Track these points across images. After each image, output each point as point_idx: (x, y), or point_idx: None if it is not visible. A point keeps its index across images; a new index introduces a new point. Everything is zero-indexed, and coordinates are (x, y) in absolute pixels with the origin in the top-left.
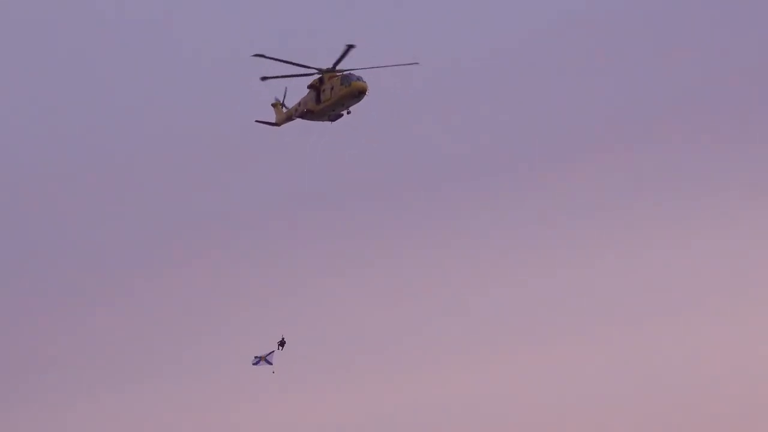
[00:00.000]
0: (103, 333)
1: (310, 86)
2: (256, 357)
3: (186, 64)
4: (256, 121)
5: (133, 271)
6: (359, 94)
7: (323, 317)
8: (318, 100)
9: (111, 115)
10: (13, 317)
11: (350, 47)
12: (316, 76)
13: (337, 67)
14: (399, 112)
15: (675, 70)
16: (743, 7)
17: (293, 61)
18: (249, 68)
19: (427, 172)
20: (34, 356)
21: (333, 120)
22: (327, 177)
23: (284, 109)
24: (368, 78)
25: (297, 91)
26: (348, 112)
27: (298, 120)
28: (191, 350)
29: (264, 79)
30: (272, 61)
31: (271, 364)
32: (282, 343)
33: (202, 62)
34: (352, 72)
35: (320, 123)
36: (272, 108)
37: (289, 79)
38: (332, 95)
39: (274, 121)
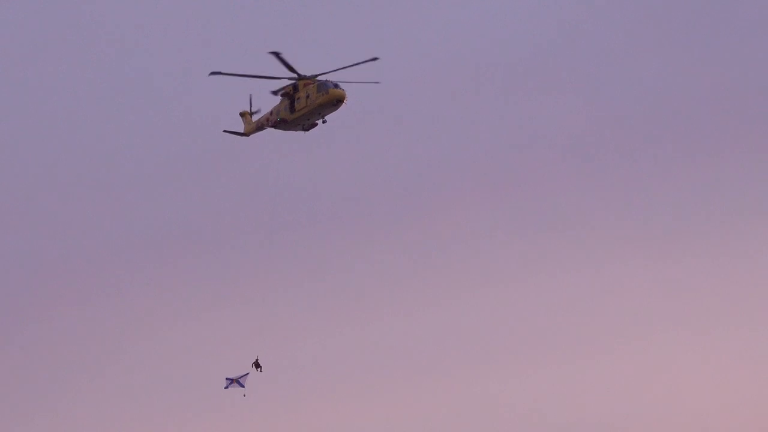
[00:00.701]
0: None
1: (283, 94)
2: (228, 379)
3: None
4: (224, 131)
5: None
6: (337, 102)
7: (309, 329)
8: (292, 108)
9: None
10: None
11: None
12: (290, 84)
13: (309, 74)
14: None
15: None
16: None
17: (253, 74)
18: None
19: (421, 178)
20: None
21: (307, 129)
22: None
23: (253, 118)
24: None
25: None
26: (324, 121)
27: (269, 129)
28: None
29: (214, 74)
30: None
31: (243, 386)
32: (257, 365)
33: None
34: (328, 79)
35: (293, 132)
36: (240, 117)
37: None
38: (308, 103)
39: (242, 131)
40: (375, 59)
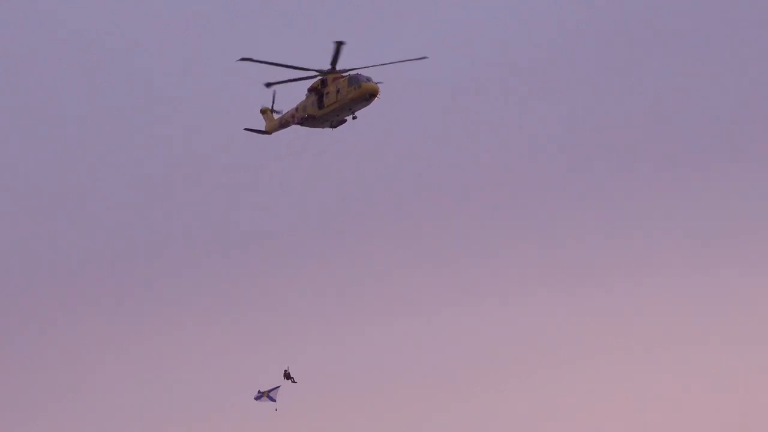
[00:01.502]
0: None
1: (310, 89)
2: (259, 391)
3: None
4: (245, 129)
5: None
6: (370, 96)
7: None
8: (321, 104)
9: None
10: None
11: (340, 44)
12: (317, 78)
13: (337, 68)
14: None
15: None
16: None
17: (284, 63)
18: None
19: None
20: None
21: (335, 126)
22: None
23: (275, 116)
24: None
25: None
26: (354, 117)
27: (293, 127)
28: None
29: (269, 85)
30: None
31: (274, 401)
32: (288, 376)
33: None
34: (360, 72)
35: (319, 130)
36: (261, 115)
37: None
38: (338, 98)
39: (264, 129)
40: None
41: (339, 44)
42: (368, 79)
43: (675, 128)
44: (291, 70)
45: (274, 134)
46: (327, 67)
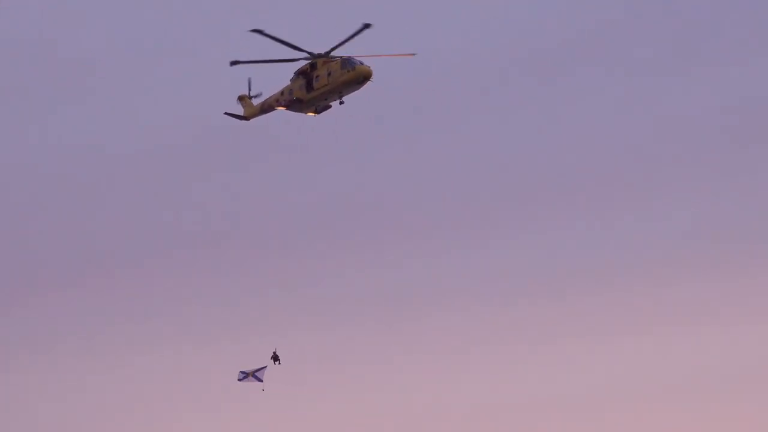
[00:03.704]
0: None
1: (299, 72)
2: (242, 372)
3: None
4: (225, 113)
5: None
6: (363, 80)
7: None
8: (309, 87)
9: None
10: None
11: (366, 26)
12: (306, 62)
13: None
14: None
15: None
16: None
17: (273, 59)
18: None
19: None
20: None
21: (319, 112)
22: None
23: (254, 101)
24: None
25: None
26: (341, 102)
27: (272, 114)
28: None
29: (234, 63)
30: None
31: (261, 381)
32: (275, 358)
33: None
34: (351, 56)
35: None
36: (239, 101)
37: (262, 66)
38: (330, 81)
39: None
40: (368, 26)
41: (365, 27)
42: (361, 63)
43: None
44: (283, 52)
45: (253, 120)
46: (316, 50)
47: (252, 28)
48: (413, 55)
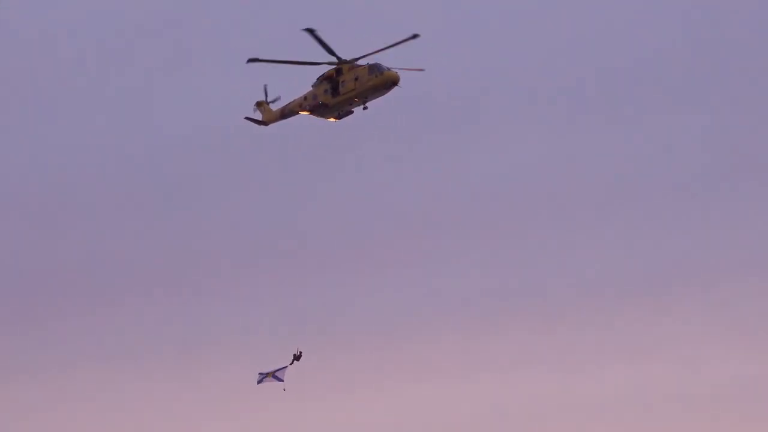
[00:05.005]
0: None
1: (323, 78)
2: (261, 374)
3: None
4: (245, 118)
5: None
6: (391, 85)
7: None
8: (335, 92)
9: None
10: None
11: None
12: (331, 68)
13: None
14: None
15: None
16: None
17: (294, 60)
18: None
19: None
20: None
21: (340, 117)
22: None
23: (272, 106)
24: None
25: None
26: (365, 108)
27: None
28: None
29: (251, 61)
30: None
31: (282, 380)
32: (297, 357)
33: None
34: (378, 62)
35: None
36: (257, 108)
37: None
38: (357, 86)
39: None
40: (416, 36)
41: (413, 36)
42: (389, 69)
43: None
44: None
45: (271, 125)
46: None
47: (305, 27)
48: (422, 70)
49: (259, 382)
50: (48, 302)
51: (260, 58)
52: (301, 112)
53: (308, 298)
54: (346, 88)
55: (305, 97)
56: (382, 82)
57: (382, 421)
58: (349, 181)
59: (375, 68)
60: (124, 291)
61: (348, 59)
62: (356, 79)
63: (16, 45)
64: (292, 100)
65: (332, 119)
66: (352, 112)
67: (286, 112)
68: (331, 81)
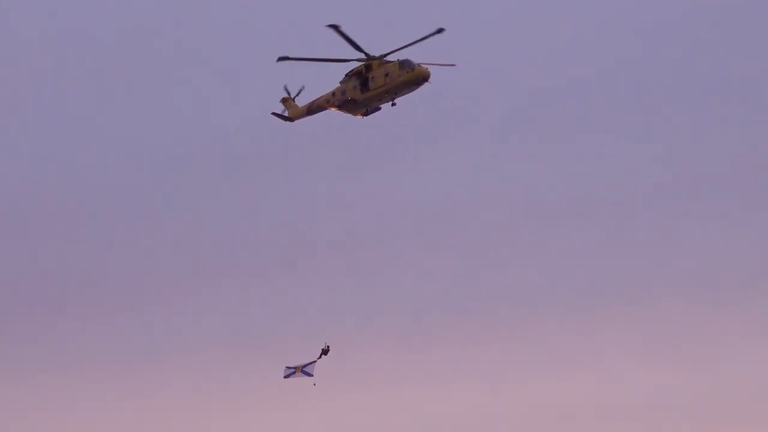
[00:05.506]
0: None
1: (352, 74)
2: (288, 368)
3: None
4: (272, 113)
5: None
6: (422, 80)
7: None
8: (364, 88)
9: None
10: None
11: (440, 31)
12: (360, 64)
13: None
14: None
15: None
16: None
17: (324, 58)
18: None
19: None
20: None
21: (367, 114)
22: None
23: (296, 101)
24: None
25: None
26: (393, 104)
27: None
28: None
29: (281, 59)
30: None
31: (311, 375)
32: (325, 352)
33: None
34: (409, 58)
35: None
36: (283, 104)
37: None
38: (387, 82)
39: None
40: (441, 30)
41: (439, 31)
42: (419, 65)
43: None
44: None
45: (297, 121)
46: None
47: (329, 24)
48: (453, 65)
49: (286, 376)
50: (48, 302)
51: (290, 56)
52: (330, 108)
53: (308, 298)
54: (376, 84)
55: (333, 93)
56: (413, 78)
57: (378, 422)
58: (367, 181)
59: (406, 64)
60: (124, 291)
61: (376, 55)
62: (386, 75)
63: (16, 45)
64: (319, 96)
65: (360, 116)
66: (380, 108)
67: (314, 108)
68: (361, 77)
